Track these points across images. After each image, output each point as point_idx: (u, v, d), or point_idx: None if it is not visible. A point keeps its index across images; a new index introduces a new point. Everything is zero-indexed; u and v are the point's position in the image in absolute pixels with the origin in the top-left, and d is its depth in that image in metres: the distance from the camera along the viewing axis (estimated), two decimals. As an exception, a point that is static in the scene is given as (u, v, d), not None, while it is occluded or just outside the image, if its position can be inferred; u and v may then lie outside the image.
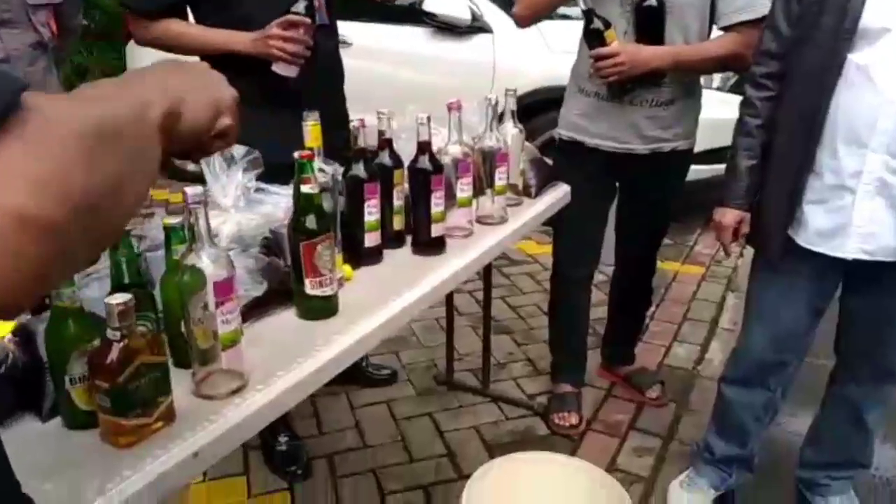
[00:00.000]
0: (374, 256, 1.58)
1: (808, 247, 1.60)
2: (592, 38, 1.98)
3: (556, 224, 2.38)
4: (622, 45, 1.96)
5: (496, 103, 1.82)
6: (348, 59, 2.14)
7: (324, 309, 1.32)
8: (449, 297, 2.56)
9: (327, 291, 1.31)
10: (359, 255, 1.55)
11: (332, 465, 2.18)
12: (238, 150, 1.40)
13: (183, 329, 1.08)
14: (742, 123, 1.74)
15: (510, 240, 1.86)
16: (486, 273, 2.45)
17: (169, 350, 1.14)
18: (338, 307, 1.35)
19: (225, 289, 1.03)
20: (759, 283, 1.76)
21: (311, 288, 1.29)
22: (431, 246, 1.64)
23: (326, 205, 1.32)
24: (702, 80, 2.24)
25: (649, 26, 1.99)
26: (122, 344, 0.92)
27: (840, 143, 1.51)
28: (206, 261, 1.02)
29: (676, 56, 2.00)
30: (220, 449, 1.00)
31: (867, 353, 1.72)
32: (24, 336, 1.01)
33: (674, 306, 3.31)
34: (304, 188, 1.25)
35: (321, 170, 1.43)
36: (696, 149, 2.30)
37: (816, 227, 1.58)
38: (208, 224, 1.02)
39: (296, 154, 1.26)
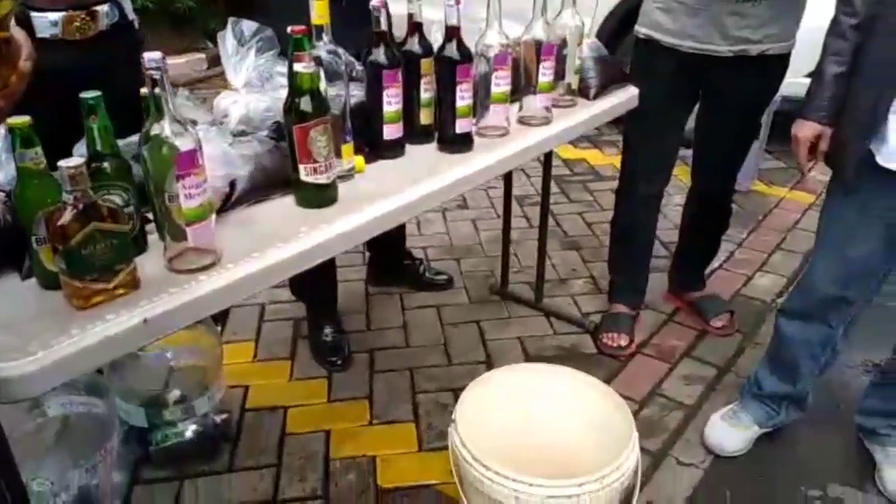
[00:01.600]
0: (392, 149, 1.51)
1: (888, 165, 1.38)
2: None
3: (627, 134, 2.21)
4: None
5: (546, -11, 1.66)
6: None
7: (319, 197, 1.29)
8: (507, 207, 2.47)
9: (321, 179, 1.27)
10: (377, 147, 1.50)
11: (372, 360, 2.22)
12: (248, 26, 1.36)
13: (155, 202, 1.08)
14: (835, 23, 1.49)
15: (550, 143, 1.73)
16: (545, 182, 2.32)
17: (155, 224, 1.17)
18: (336, 196, 1.31)
19: (187, 162, 1.02)
20: (831, 207, 1.55)
21: (304, 174, 1.26)
22: (455, 143, 1.55)
23: (324, 87, 1.27)
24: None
25: None
26: (75, 208, 0.93)
27: None
28: (167, 132, 1.00)
29: None
30: (174, 320, 1.01)
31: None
32: (9, 195, 1.05)
33: (768, 234, 3.04)
34: (297, 66, 1.20)
35: (333, 52, 1.37)
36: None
37: (899, 144, 1.35)
38: (169, 94, 0.99)
39: (289, 29, 1.20)
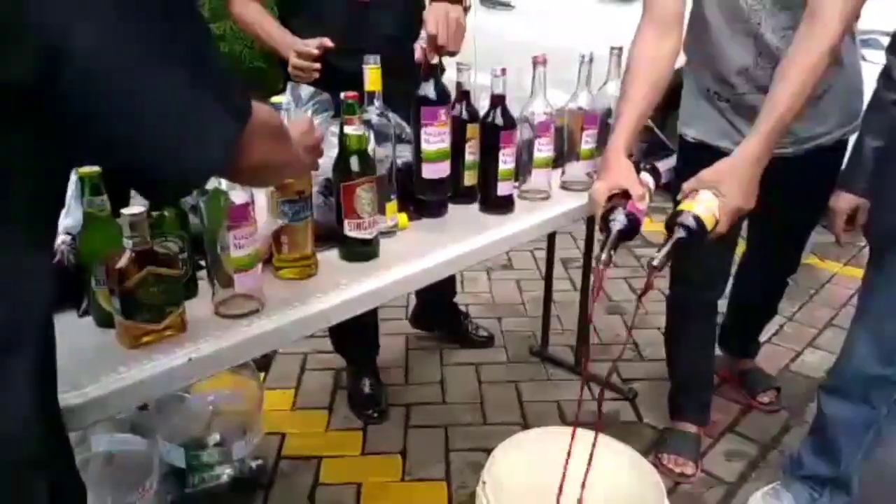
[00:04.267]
0: (436, 209, 1.57)
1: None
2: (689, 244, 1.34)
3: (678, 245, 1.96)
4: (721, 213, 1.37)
5: (591, 60, 1.72)
6: (510, 18, 2.03)
7: (361, 252, 1.34)
8: (549, 269, 2.50)
9: (365, 235, 1.33)
10: (421, 206, 1.55)
11: (408, 415, 2.23)
12: (305, 90, 1.44)
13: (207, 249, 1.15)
14: (875, 96, 1.51)
15: (589, 209, 1.75)
16: (588, 245, 2.34)
17: (206, 271, 1.23)
18: (377, 252, 1.36)
19: (239, 214, 1.08)
20: (867, 281, 1.53)
21: (349, 229, 1.32)
22: (496, 204, 1.59)
23: (372, 148, 1.33)
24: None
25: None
26: (133, 252, 1.00)
27: None
28: (223, 186, 1.07)
29: (768, 147, 1.38)
30: (217, 362, 1.06)
31: None
32: (75, 238, 1.13)
33: (819, 310, 2.97)
34: (348, 129, 1.27)
35: (383, 115, 1.44)
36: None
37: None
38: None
39: (342, 94, 1.28)
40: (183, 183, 0.72)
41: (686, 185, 1.38)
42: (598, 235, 1.68)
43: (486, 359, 2.54)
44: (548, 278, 2.51)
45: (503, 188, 1.58)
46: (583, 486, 1.37)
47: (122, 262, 1.00)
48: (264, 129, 0.77)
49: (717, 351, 2.34)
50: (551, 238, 2.43)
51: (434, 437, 2.13)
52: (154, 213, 1.11)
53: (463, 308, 2.80)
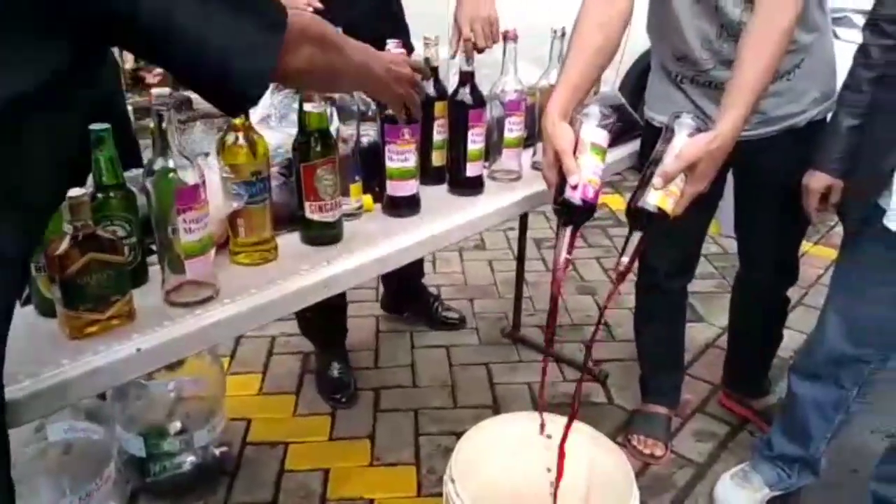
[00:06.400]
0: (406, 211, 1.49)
1: (890, 225, 1.35)
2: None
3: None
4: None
5: (563, 35, 1.66)
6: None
7: (323, 235, 1.29)
8: (521, 250, 2.46)
9: (327, 217, 1.27)
10: (391, 208, 1.48)
11: (377, 399, 2.20)
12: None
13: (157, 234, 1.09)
14: (852, 75, 1.47)
15: (562, 189, 1.72)
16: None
17: (158, 255, 1.17)
18: (340, 235, 1.31)
19: (189, 197, 1.02)
20: (841, 262, 1.52)
21: (310, 212, 1.27)
22: (465, 185, 1.55)
23: (335, 127, 1.28)
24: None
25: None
26: (73, 238, 0.94)
27: None
28: (171, 166, 1.01)
29: (740, 128, 1.30)
30: (166, 354, 1.01)
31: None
32: (15, 223, 1.06)
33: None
34: (307, 106, 1.21)
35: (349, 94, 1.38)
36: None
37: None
38: (174, 129, 1.00)
39: (301, 70, 1.21)
40: (242, 94, 0.83)
41: (669, 169, 1.25)
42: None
43: (457, 341, 2.51)
44: (520, 259, 2.47)
45: (472, 169, 1.53)
46: (559, 475, 1.35)
47: (62, 247, 0.94)
48: (304, 35, 0.85)
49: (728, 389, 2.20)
50: (523, 218, 2.39)
51: (403, 421, 2.10)
52: (99, 196, 1.04)
53: (434, 290, 2.76)
